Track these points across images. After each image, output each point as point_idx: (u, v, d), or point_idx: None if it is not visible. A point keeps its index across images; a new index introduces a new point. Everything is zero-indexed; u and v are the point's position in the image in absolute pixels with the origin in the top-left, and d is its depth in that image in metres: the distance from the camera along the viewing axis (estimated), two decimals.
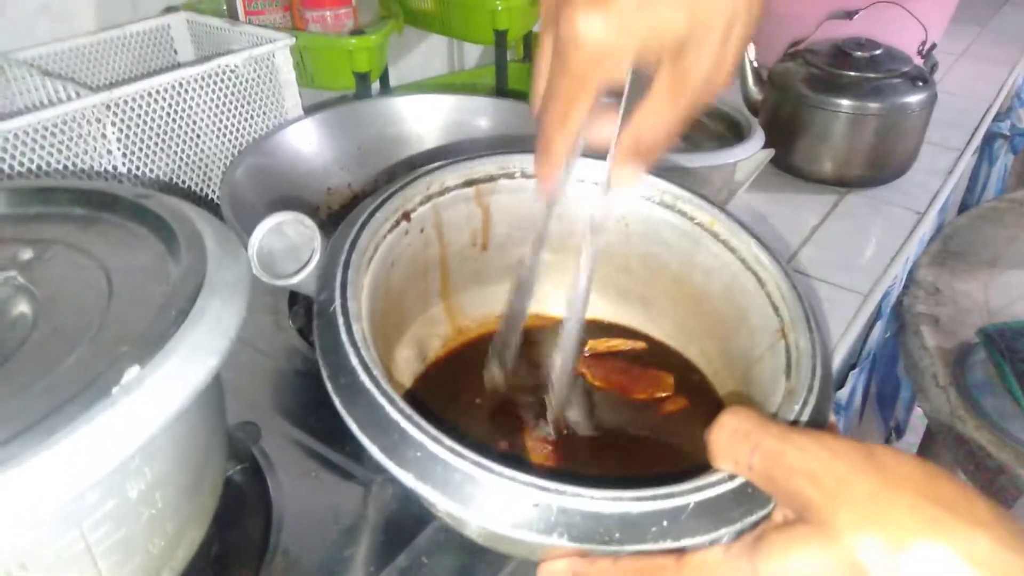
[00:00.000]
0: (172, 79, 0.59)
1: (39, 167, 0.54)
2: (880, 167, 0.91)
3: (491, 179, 0.41)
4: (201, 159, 0.65)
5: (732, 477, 0.28)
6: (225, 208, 0.50)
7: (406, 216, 0.38)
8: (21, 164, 0.53)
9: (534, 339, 0.45)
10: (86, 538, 0.27)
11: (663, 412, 0.41)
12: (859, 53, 0.89)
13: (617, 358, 0.44)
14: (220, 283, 0.32)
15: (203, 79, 0.61)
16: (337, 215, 0.63)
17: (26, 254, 0.36)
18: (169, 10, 0.79)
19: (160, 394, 0.27)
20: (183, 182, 0.64)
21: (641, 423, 0.41)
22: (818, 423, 0.31)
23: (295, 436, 0.48)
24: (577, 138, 0.34)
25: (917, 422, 1.51)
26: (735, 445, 0.27)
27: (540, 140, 0.34)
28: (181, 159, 0.63)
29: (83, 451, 0.25)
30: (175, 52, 0.77)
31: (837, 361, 0.67)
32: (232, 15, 0.77)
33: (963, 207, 1.44)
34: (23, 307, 0.33)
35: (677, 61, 0.31)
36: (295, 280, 0.36)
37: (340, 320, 0.31)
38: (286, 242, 0.39)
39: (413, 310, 0.42)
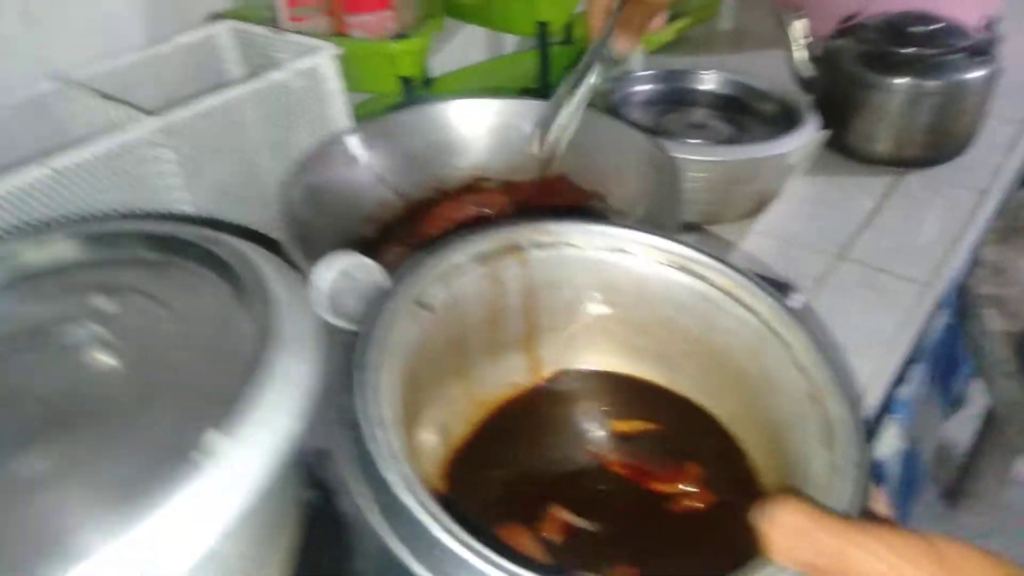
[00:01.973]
0: (224, 99, 0.60)
1: (103, 193, 0.56)
2: (940, 146, 0.88)
3: (502, 253, 0.41)
4: (254, 172, 0.65)
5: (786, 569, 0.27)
6: (285, 236, 0.50)
7: (419, 302, 0.38)
8: (85, 192, 0.55)
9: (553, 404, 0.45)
10: None
11: (682, 508, 0.39)
12: (916, 28, 0.86)
13: (640, 442, 0.43)
14: (294, 339, 0.32)
15: (253, 95, 0.62)
16: (389, 226, 0.63)
17: (104, 304, 0.37)
18: (214, 18, 0.80)
19: (246, 460, 0.28)
20: (238, 197, 0.65)
21: (662, 518, 0.39)
22: (866, 498, 0.31)
23: None
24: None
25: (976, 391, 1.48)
26: (792, 544, 0.27)
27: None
28: (234, 174, 0.64)
29: (179, 523, 0.26)
30: (222, 60, 0.77)
31: (897, 356, 0.66)
32: (276, 21, 0.77)
33: None
34: (106, 359, 0.35)
35: None
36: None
37: (368, 430, 0.30)
38: (348, 280, 0.40)
39: (430, 390, 0.41)
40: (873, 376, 0.64)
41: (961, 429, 1.65)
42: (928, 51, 0.84)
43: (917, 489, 1.27)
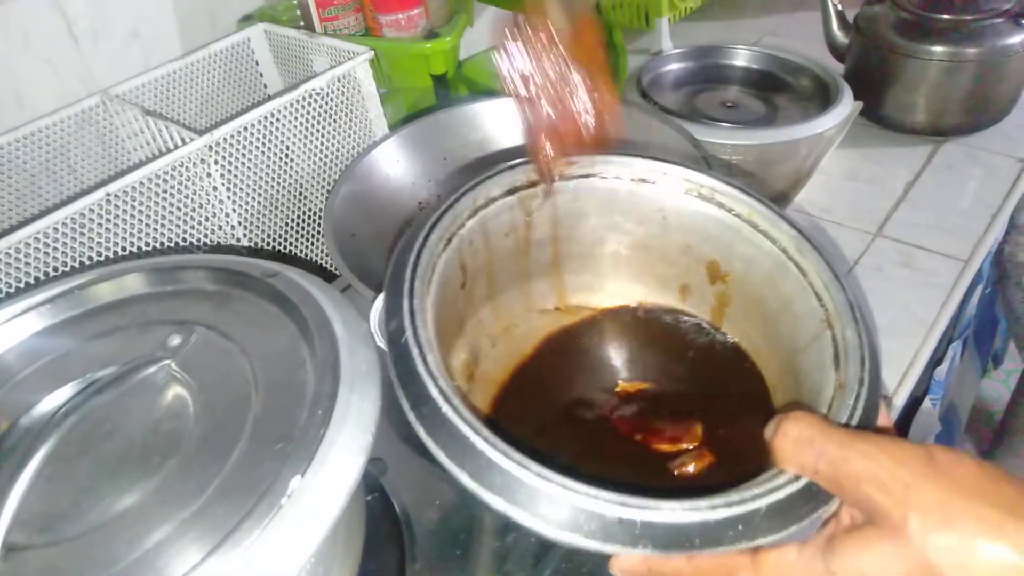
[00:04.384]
0: (264, 111, 0.61)
1: (157, 212, 0.58)
2: (979, 113, 0.87)
3: (532, 184, 0.42)
4: (296, 180, 0.67)
5: (797, 477, 0.30)
6: (330, 246, 0.52)
7: (457, 234, 0.40)
8: (140, 212, 0.57)
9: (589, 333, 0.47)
10: None
11: (683, 473, 0.39)
12: None
13: (645, 402, 0.44)
14: (356, 374, 0.34)
15: (291, 105, 0.63)
16: None
17: (174, 339, 0.39)
18: (246, 19, 0.81)
19: (322, 499, 0.30)
20: (282, 206, 0.67)
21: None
22: (870, 414, 0.33)
23: (418, 464, 0.51)
24: None
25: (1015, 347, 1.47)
26: (799, 452, 0.29)
27: None
28: (278, 184, 0.66)
29: (264, 557, 0.28)
30: (256, 63, 0.79)
31: (934, 338, 0.66)
32: (307, 20, 0.78)
33: None
34: (182, 396, 0.37)
35: None
36: None
37: (415, 351, 0.32)
38: None
39: (463, 316, 0.44)
40: (910, 359, 0.65)
41: (999, 387, 1.65)
42: (966, 17, 0.82)
43: (952, 446, 1.27)
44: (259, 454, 0.33)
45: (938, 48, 0.82)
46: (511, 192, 0.42)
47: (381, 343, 0.40)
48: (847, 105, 0.76)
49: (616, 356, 0.47)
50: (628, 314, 0.48)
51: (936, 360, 0.76)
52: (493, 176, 0.41)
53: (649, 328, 0.48)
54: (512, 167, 0.42)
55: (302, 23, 0.79)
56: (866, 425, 0.32)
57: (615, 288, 0.48)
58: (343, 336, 0.36)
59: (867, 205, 0.81)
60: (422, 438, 0.31)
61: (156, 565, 0.30)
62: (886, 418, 0.35)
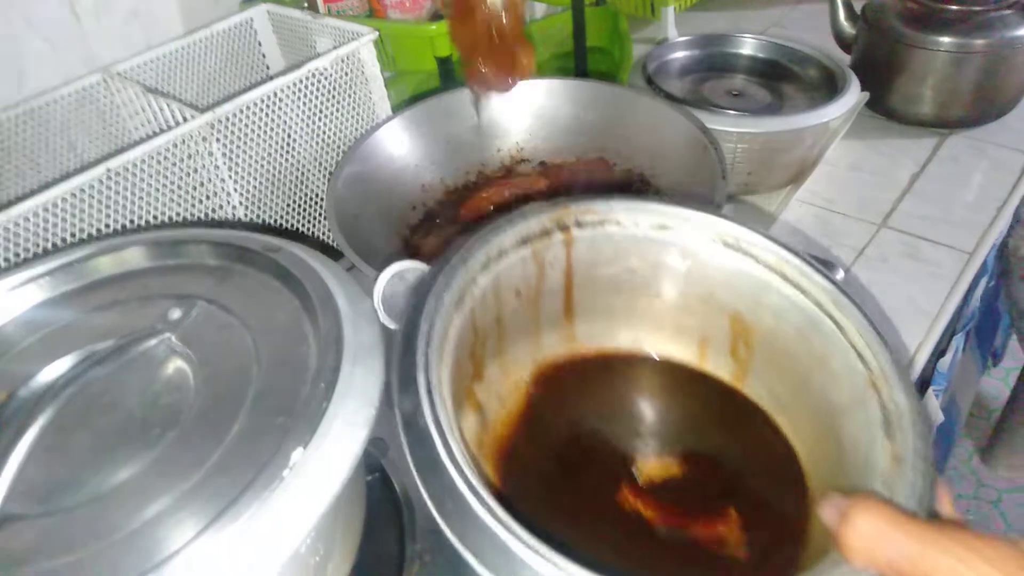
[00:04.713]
0: (267, 90, 0.61)
1: (158, 190, 0.58)
2: (985, 106, 0.86)
3: (546, 234, 0.41)
4: (299, 160, 0.67)
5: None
6: (333, 227, 0.52)
7: (469, 291, 0.38)
8: (141, 189, 0.57)
9: (608, 372, 0.45)
10: None
11: (735, 560, 0.36)
12: None
13: (673, 490, 0.41)
14: (359, 349, 0.34)
15: (294, 85, 0.63)
16: (433, 211, 0.64)
17: (175, 313, 0.39)
18: (248, 1, 0.80)
19: (324, 472, 0.30)
20: (284, 186, 0.66)
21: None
22: (931, 491, 0.30)
23: None
24: None
25: (1015, 344, 1.47)
26: (872, 547, 0.27)
27: None
28: (280, 164, 0.65)
29: (265, 534, 0.28)
30: (259, 44, 0.78)
31: (939, 329, 0.66)
32: (310, 1, 0.77)
33: None
34: (182, 369, 0.36)
35: None
36: None
37: (435, 436, 0.30)
38: (400, 283, 0.41)
39: (472, 379, 0.41)
40: (914, 350, 0.64)
41: (998, 384, 1.65)
42: (974, 7, 0.82)
43: (951, 443, 1.27)
44: (260, 428, 0.32)
45: (946, 39, 0.81)
46: (524, 242, 0.40)
47: (384, 320, 0.40)
48: (853, 95, 0.76)
49: (632, 420, 0.44)
50: (643, 369, 0.45)
51: (940, 351, 0.76)
52: (505, 227, 0.39)
53: (666, 388, 0.45)
54: (526, 216, 0.40)
55: (305, 4, 0.79)
56: (929, 505, 0.30)
57: (629, 339, 0.46)
58: (346, 311, 0.36)
59: (872, 196, 0.80)
60: (449, 538, 0.28)
61: (154, 537, 0.29)
62: (945, 495, 0.32)
